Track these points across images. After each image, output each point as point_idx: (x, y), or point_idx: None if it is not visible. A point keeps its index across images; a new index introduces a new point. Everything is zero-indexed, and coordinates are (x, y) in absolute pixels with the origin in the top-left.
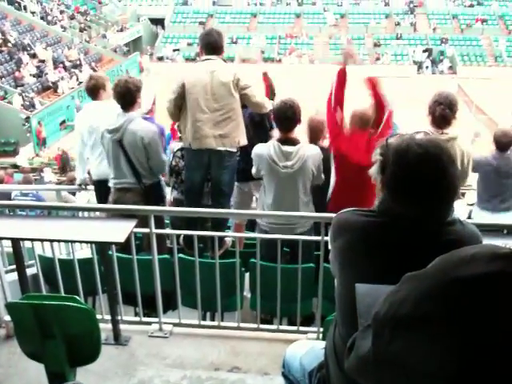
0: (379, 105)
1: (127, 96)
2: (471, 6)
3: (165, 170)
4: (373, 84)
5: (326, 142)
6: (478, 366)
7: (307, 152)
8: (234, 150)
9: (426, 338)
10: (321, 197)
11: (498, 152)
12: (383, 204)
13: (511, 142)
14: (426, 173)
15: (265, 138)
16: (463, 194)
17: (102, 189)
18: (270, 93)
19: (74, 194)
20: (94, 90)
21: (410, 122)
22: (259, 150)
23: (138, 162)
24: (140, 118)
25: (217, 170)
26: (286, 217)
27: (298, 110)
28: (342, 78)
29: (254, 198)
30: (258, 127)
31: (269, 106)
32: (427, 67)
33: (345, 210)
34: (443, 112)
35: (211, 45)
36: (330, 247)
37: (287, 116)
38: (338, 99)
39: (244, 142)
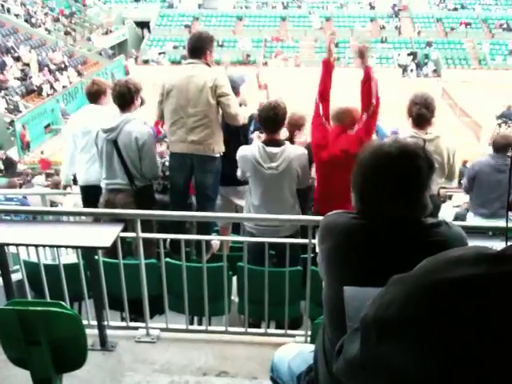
0: (363, 100)
1: (126, 96)
2: (455, 9)
3: (157, 174)
4: (367, 76)
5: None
6: (460, 370)
7: (292, 153)
8: (216, 155)
9: (411, 341)
10: (306, 199)
11: (494, 153)
12: (359, 205)
13: (509, 144)
14: (394, 171)
15: (237, 147)
16: (450, 197)
17: (89, 194)
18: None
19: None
20: (95, 95)
21: (395, 124)
22: (243, 151)
23: (131, 162)
24: (136, 120)
25: (200, 173)
26: (272, 220)
27: (283, 112)
28: (326, 69)
29: (234, 203)
30: (231, 136)
31: (243, 120)
32: (412, 70)
33: (332, 212)
34: (419, 111)
35: (191, 48)
36: (317, 250)
37: (270, 116)
38: (321, 91)
39: (219, 149)
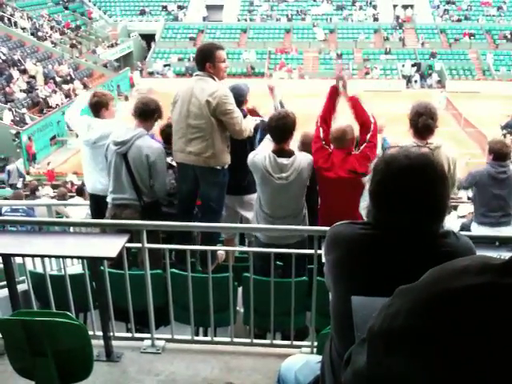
0: (362, 125)
1: (149, 109)
2: (459, 20)
3: (166, 192)
4: (354, 103)
5: None
6: (466, 380)
7: (302, 163)
8: (218, 167)
9: (417, 352)
10: (313, 207)
11: (495, 162)
12: (371, 215)
13: (508, 153)
14: (410, 184)
15: (244, 157)
16: (455, 207)
17: (96, 203)
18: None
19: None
20: (96, 107)
21: (400, 136)
22: (255, 158)
23: (140, 178)
24: (148, 136)
25: (204, 185)
26: (278, 230)
27: (292, 121)
28: (332, 95)
29: (239, 214)
30: (237, 145)
31: (248, 133)
32: (416, 81)
33: (339, 222)
34: (426, 122)
35: (196, 61)
36: (323, 260)
37: (279, 126)
38: (324, 115)
39: (218, 163)
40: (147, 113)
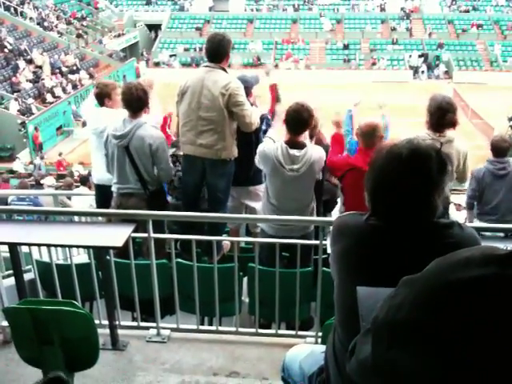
0: None
1: (138, 101)
2: (467, 11)
3: (171, 177)
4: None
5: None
6: (466, 374)
7: (313, 156)
8: (228, 159)
9: (419, 344)
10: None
11: (495, 158)
12: (371, 206)
13: (510, 147)
14: (403, 171)
15: (249, 149)
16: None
17: (102, 194)
18: (276, 99)
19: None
20: (99, 98)
21: (406, 126)
22: (266, 148)
23: (144, 168)
24: (148, 124)
25: (212, 176)
26: (284, 220)
27: (312, 116)
28: (340, 143)
29: (244, 205)
30: (243, 137)
31: (255, 126)
32: (423, 72)
33: (345, 213)
34: (453, 119)
35: (208, 52)
36: (329, 250)
37: (302, 117)
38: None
39: (228, 155)
40: (139, 106)
